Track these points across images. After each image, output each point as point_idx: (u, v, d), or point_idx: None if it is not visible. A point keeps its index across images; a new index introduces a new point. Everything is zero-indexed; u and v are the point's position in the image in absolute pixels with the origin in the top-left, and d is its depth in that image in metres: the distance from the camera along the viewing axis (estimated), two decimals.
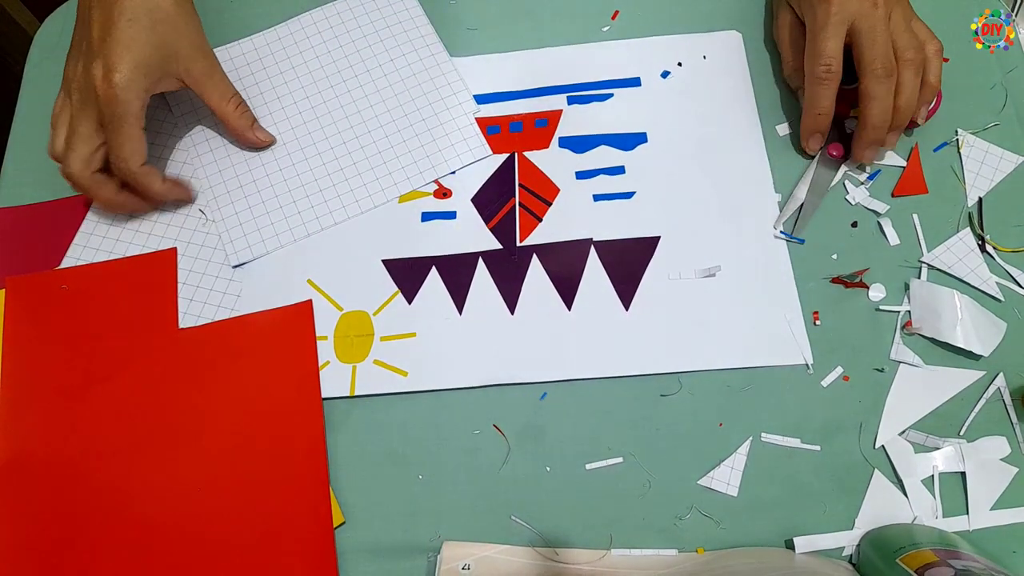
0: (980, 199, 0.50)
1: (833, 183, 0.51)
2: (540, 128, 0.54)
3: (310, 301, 0.49)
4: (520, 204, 0.52)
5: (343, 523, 0.45)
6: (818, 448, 0.45)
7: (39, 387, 0.48)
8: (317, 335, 0.49)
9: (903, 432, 0.45)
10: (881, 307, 0.48)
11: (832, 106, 0.48)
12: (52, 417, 0.47)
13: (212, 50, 0.51)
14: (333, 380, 0.47)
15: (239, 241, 0.51)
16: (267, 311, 0.49)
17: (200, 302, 0.50)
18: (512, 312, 0.49)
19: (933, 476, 0.44)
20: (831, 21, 0.46)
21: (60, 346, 0.49)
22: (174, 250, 0.51)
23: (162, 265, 0.51)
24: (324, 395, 0.47)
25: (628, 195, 0.52)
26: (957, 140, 0.51)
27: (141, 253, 0.51)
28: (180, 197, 0.52)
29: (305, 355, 0.48)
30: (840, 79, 0.48)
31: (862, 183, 0.51)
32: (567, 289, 0.49)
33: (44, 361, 0.48)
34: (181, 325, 0.49)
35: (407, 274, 0.50)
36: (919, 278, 0.48)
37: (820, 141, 0.50)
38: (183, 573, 0.44)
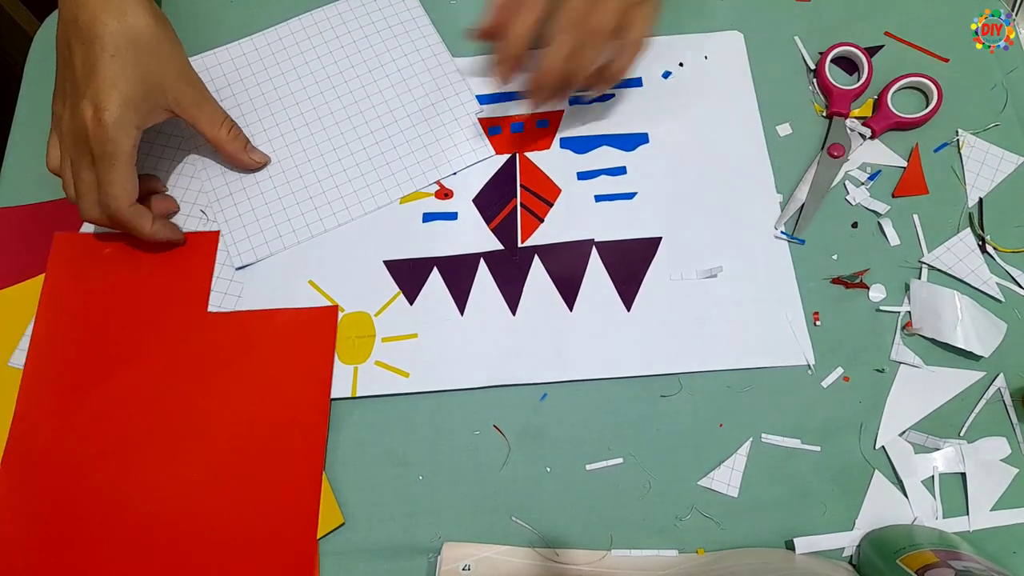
0: (980, 199, 0.50)
1: (834, 183, 0.51)
2: (541, 129, 0.54)
3: (335, 307, 0.49)
4: (521, 205, 0.52)
5: (343, 524, 0.45)
6: (818, 449, 0.45)
7: (65, 361, 0.48)
8: None
9: (903, 433, 0.45)
10: (881, 308, 0.48)
11: (528, 34, 0.45)
12: (72, 394, 0.47)
13: (198, 75, 0.50)
14: (335, 381, 0.47)
15: (243, 243, 0.51)
16: (293, 309, 0.49)
17: None
18: (514, 313, 0.49)
19: (933, 477, 0.44)
20: None
21: (93, 310, 0.49)
22: (216, 233, 0.51)
23: (202, 246, 0.51)
24: None
25: (629, 196, 0.52)
26: (957, 140, 0.51)
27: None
28: (171, 238, 0.50)
29: (322, 359, 0.48)
30: (541, 14, 0.44)
31: (862, 183, 0.51)
32: (569, 290, 0.49)
33: (75, 326, 0.49)
34: None
35: (409, 275, 0.50)
36: (919, 279, 0.48)
37: (509, 73, 0.47)
38: (180, 567, 0.44)
